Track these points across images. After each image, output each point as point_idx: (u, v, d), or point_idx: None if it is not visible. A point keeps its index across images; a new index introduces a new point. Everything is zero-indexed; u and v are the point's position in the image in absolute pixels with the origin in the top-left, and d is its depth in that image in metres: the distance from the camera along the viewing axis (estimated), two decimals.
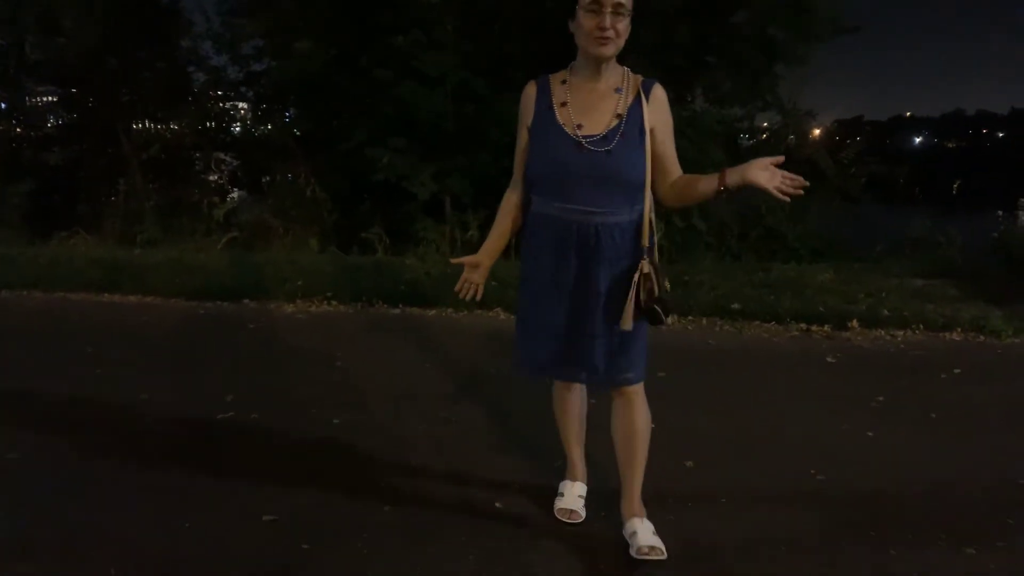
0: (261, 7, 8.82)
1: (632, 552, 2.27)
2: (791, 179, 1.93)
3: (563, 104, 2.10)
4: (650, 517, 2.39)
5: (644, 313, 2.12)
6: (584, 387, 2.52)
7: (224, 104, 11.26)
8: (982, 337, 4.66)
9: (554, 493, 2.63)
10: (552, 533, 2.46)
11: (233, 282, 5.69)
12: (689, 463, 2.94)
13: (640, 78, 2.14)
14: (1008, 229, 5.91)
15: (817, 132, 11.64)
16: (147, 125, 11.37)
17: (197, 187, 10.01)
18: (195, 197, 8.93)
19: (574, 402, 2.53)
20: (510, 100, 7.71)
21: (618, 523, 2.42)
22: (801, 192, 1.93)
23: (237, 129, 11.36)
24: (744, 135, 9.18)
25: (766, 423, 3.37)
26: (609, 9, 1.96)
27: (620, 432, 2.36)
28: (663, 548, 2.25)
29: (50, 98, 12.36)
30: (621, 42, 2.03)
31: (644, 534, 2.29)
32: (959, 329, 4.75)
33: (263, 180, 10.19)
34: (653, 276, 2.11)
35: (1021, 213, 5.92)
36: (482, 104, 7.70)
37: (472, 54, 7.73)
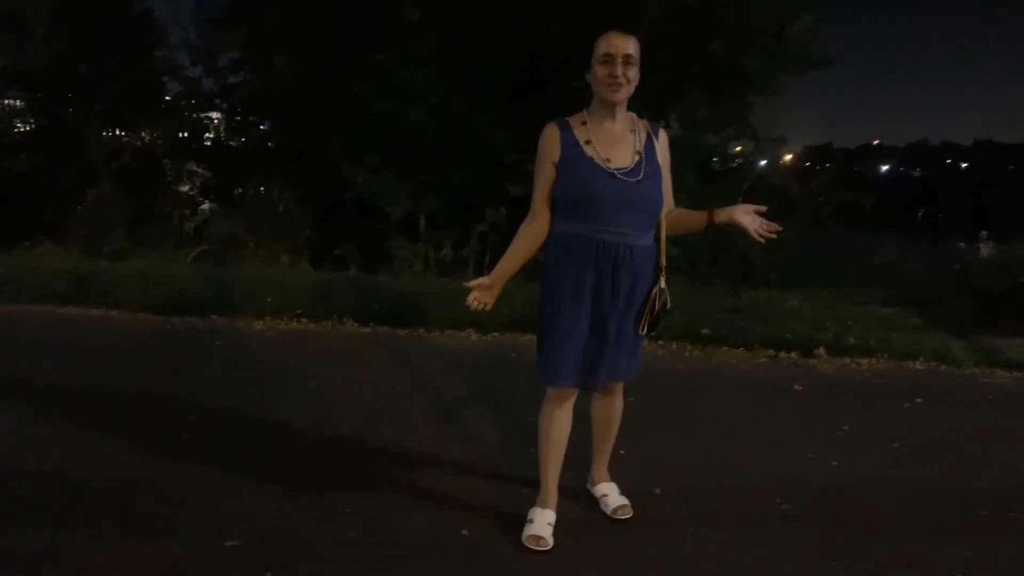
0: (239, 20, 8.77)
1: (607, 511, 2.73)
2: (768, 226, 2.39)
3: (587, 142, 2.38)
4: (619, 546, 2.44)
5: (655, 322, 2.49)
6: (571, 412, 2.64)
7: (198, 114, 11.15)
8: (944, 367, 4.76)
9: (522, 521, 2.62)
10: (518, 563, 2.44)
11: (202, 297, 5.61)
12: (657, 490, 2.96)
13: (646, 121, 2.48)
14: (970, 261, 6.03)
15: (788, 157, 11.86)
16: (118, 133, 11.20)
17: (168, 198, 9.85)
18: (166, 208, 8.78)
19: (564, 426, 2.64)
20: (486, 118, 7.82)
21: (588, 552, 2.42)
22: (775, 236, 2.37)
23: (210, 140, 11.24)
24: (716, 160, 9.31)
25: (733, 451, 3.40)
26: (620, 60, 2.28)
27: (601, 416, 2.78)
28: (630, 506, 2.74)
29: (17, 103, 12.12)
30: (631, 88, 2.34)
31: (613, 495, 2.79)
32: (922, 358, 4.85)
33: (236, 193, 10.08)
34: (666, 291, 2.49)
35: (982, 245, 6.08)
36: (460, 121, 7.72)
37: (450, 71, 7.76)
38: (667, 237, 2.51)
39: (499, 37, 7.73)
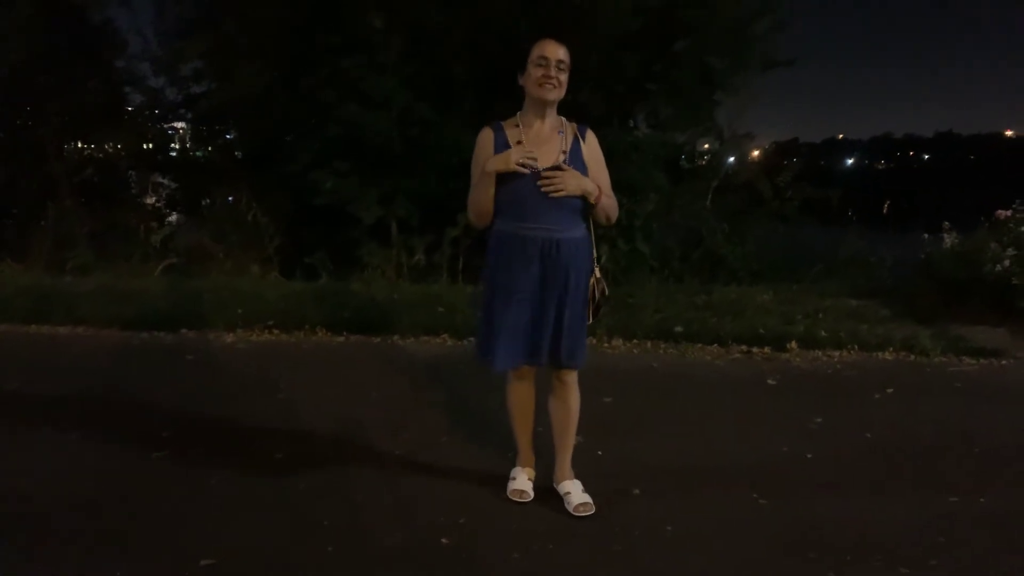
0: (200, 29, 8.65)
1: (569, 509, 2.76)
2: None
3: (518, 142, 2.57)
4: (598, 548, 2.44)
5: (596, 309, 2.68)
6: (533, 383, 2.87)
7: (162, 125, 10.97)
8: (913, 356, 4.85)
9: (501, 526, 2.64)
10: (498, 570, 2.44)
11: (171, 310, 5.52)
12: (636, 491, 2.96)
13: (575, 124, 2.66)
14: (934, 252, 6.15)
15: (756, 153, 12.00)
16: (80, 146, 10.98)
17: (133, 210, 9.67)
18: (131, 221, 8.62)
19: (525, 396, 2.88)
20: (455, 123, 7.81)
21: (566, 556, 2.42)
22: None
23: (175, 150, 11.07)
24: (684, 157, 9.40)
25: (710, 447, 3.43)
26: (554, 63, 2.51)
27: (558, 412, 2.85)
28: (592, 503, 2.77)
29: None
30: (562, 91, 2.56)
31: (576, 492, 2.81)
32: (891, 349, 4.93)
33: (203, 203, 9.94)
34: (603, 280, 2.69)
35: (946, 236, 6.20)
36: (427, 126, 7.70)
37: (417, 77, 7.74)
38: (608, 225, 2.71)
39: (464, 42, 7.73)
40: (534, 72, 2.52)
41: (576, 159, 2.59)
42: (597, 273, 2.69)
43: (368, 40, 7.50)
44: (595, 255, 2.70)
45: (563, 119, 2.66)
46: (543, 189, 2.49)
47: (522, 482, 2.89)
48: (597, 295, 2.69)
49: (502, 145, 2.58)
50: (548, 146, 2.57)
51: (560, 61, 2.52)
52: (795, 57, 8.53)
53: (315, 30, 7.82)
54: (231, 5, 8.36)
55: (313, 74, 7.79)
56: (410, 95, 7.59)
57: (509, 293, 2.60)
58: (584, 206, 2.61)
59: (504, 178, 2.53)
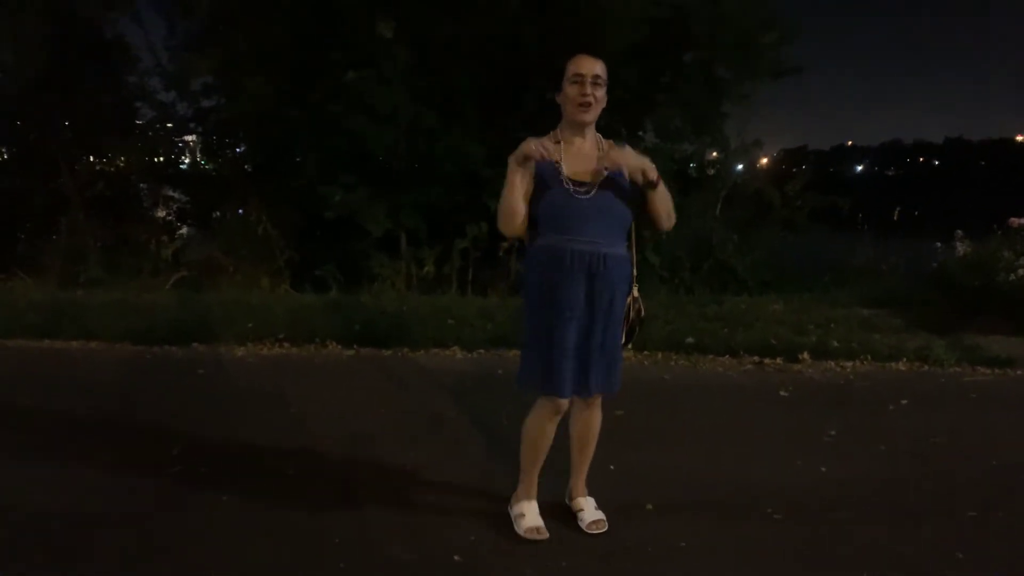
0: (210, 44, 8.72)
1: (583, 527, 2.73)
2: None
3: (558, 160, 2.49)
4: (612, 566, 2.42)
5: (631, 331, 2.62)
6: (557, 423, 2.72)
7: (173, 137, 11.03)
8: (926, 367, 4.81)
9: (513, 543, 2.62)
10: None
11: (182, 325, 5.52)
12: (649, 506, 2.94)
13: (610, 141, 2.56)
14: (947, 260, 6.12)
15: (765, 161, 11.96)
16: (91, 160, 11.05)
17: (144, 224, 9.73)
18: (142, 235, 8.67)
19: (551, 434, 2.74)
20: (461, 135, 7.83)
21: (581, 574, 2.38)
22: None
23: (186, 163, 11.13)
24: (693, 166, 9.38)
25: (723, 461, 3.40)
26: (589, 80, 2.45)
27: (580, 431, 2.79)
28: (605, 520, 2.75)
29: None
30: (599, 108, 2.50)
31: (589, 510, 2.80)
32: (905, 359, 4.89)
33: (213, 216, 9.99)
34: (639, 299, 2.62)
35: (958, 244, 6.17)
36: (434, 138, 7.72)
37: (423, 88, 7.77)
38: (652, 220, 2.59)
39: (471, 53, 7.76)
40: (570, 91, 2.47)
41: (618, 173, 2.50)
42: (635, 292, 2.61)
43: (375, 53, 7.54)
44: (634, 274, 2.60)
45: (599, 135, 2.59)
46: (602, 164, 2.42)
47: (534, 518, 2.73)
48: (632, 315, 2.60)
49: (548, 162, 2.48)
50: (588, 163, 2.50)
51: (596, 76, 2.46)
52: (803, 65, 8.52)
53: (322, 44, 7.87)
54: (239, 20, 8.42)
55: (321, 87, 7.84)
56: (417, 107, 7.62)
57: (559, 311, 2.48)
58: (629, 221, 2.54)
59: (545, 192, 2.48)
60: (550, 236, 2.49)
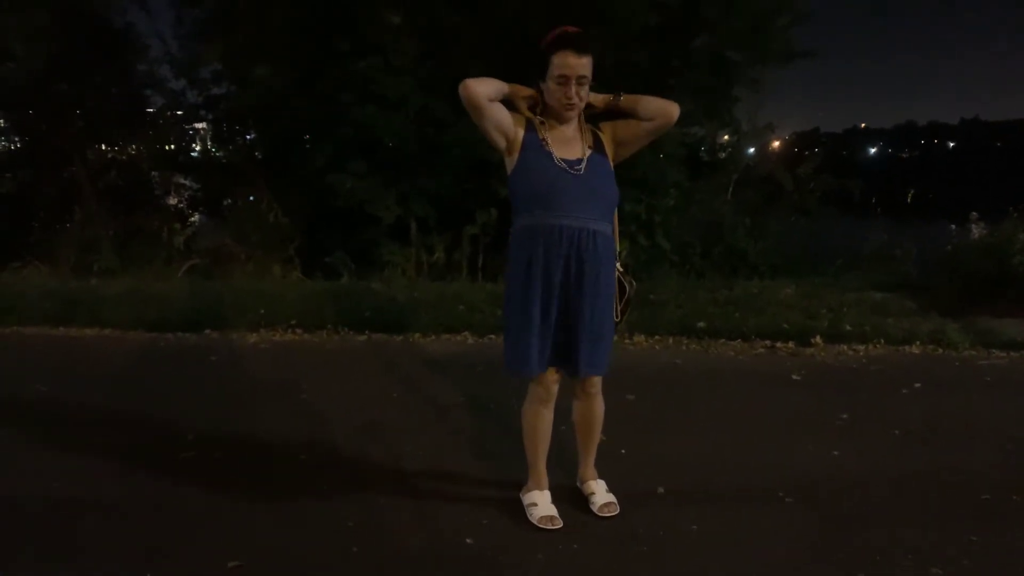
0: (219, 32, 8.71)
1: (594, 510, 2.74)
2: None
3: (543, 139, 2.53)
4: (624, 549, 2.43)
5: (624, 306, 2.64)
6: (553, 407, 2.74)
7: (183, 125, 11.06)
8: (940, 350, 4.78)
9: (525, 526, 2.64)
10: (523, 569, 2.43)
11: (194, 312, 5.57)
12: (660, 489, 2.94)
13: (591, 125, 2.61)
14: (961, 243, 6.05)
15: (776, 144, 11.86)
16: (103, 149, 11.10)
17: (156, 212, 9.78)
18: (154, 223, 8.71)
19: (549, 418, 2.75)
20: (470, 122, 7.75)
21: (592, 556, 2.41)
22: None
23: (197, 151, 11.15)
24: (704, 150, 9.32)
25: (735, 445, 3.39)
26: (574, 81, 2.43)
27: (581, 419, 2.82)
28: (616, 503, 2.75)
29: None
30: (583, 105, 2.52)
31: (600, 493, 2.80)
32: (918, 343, 4.86)
33: (224, 204, 10.02)
34: (628, 274, 2.68)
35: (973, 227, 6.10)
36: (443, 126, 7.70)
37: (432, 76, 7.74)
38: (643, 121, 2.59)
39: (479, 41, 7.71)
40: (555, 90, 2.45)
41: (600, 153, 2.56)
42: (619, 267, 2.64)
43: (383, 41, 7.51)
44: (617, 249, 2.63)
45: (581, 118, 2.61)
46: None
47: (546, 507, 2.71)
48: (628, 290, 2.64)
49: (534, 134, 2.53)
50: (571, 145, 2.54)
51: (581, 77, 2.42)
52: (815, 48, 8.41)
53: (331, 32, 7.84)
54: (247, 9, 8.40)
55: (330, 76, 7.82)
56: (426, 96, 7.60)
57: (537, 290, 2.47)
58: (616, 202, 2.57)
59: (532, 167, 2.49)
60: (537, 214, 2.48)
